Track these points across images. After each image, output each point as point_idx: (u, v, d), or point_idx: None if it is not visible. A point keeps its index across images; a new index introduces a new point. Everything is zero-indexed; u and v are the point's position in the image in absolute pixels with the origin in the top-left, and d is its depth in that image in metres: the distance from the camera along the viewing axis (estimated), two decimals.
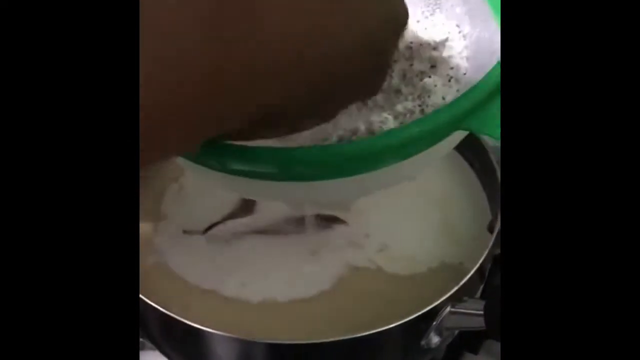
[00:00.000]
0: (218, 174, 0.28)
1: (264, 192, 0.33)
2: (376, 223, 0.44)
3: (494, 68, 0.28)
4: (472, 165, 0.48)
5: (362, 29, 0.25)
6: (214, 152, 0.27)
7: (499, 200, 0.43)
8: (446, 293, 0.37)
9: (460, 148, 0.49)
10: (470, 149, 0.48)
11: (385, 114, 0.30)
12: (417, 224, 0.44)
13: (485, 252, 0.40)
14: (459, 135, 0.30)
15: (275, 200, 0.42)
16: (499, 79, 0.28)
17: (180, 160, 0.28)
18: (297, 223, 0.44)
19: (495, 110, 0.28)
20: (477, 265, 0.39)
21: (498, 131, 0.27)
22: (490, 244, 0.40)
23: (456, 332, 0.41)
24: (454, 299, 0.38)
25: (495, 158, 0.45)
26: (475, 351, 0.46)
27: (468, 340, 0.46)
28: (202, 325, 0.36)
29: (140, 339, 0.44)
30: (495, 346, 0.46)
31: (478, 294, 0.42)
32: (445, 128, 0.27)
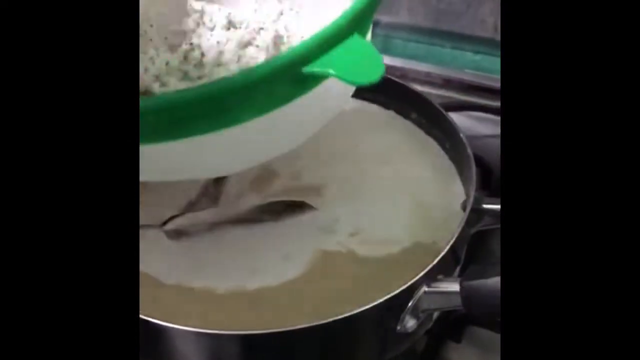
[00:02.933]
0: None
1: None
2: (347, 207, 0.43)
3: (341, 15, 0.29)
4: (442, 145, 0.48)
5: None
6: None
7: (472, 179, 0.42)
8: (419, 273, 0.36)
9: (430, 129, 0.49)
10: (440, 130, 0.48)
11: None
12: (388, 207, 0.43)
13: (458, 231, 0.38)
14: (336, 90, 0.32)
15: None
16: (344, 20, 0.29)
17: None
18: (264, 211, 0.42)
19: (339, 53, 0.29)
20: (450, 243, 0.38)
21: (345, 73, 0.28)
22: (463, 222, 0.39)
23: (434, 315, 0.40)
24: (429, 279, 0.37)
25: (465, 136, 0.44)
26: (457, 339, 0.45)
27: (450, 328, 0.44)
28: (168, 323, 0.35)
29: None
30: (478, 333, 0.45)
31: (456, 274, 0.40)
32: (283, 71, 0.28)
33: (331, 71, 0.28)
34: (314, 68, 0.28)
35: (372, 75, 0.29)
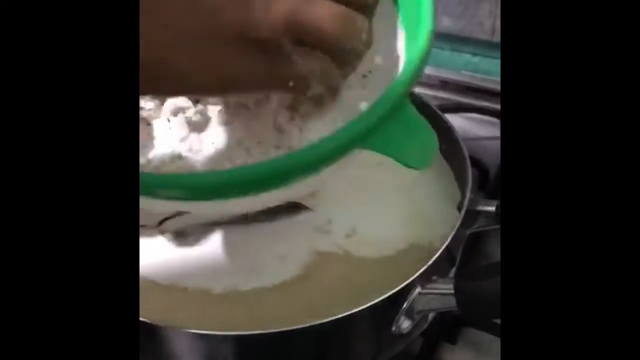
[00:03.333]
0: None
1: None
2: (342, 208, 0.43)
3: (389, 88, 0.27)
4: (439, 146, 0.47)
5: None
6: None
7: (468, 180, 0.42)
8: (414, 274, 0.36)
9: None
10: (437, 131, 0.47)
11: None
12: (384, 207, 0.43)
13: (453, 231, 0.38)
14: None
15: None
16: (395, 98, 0.27)
17: None
18: (260, 212, 0.42)
19: (397, 130, 0.27)
20: (445, 244, 0.38)
21: (402, 154, 0.27)
22: (458, 223, 0.39)
23: (430, 316, 0.40)
24: (424, 280, 0.37)
25: (461, 138, 0.44)
26: (453, 341, 0.45)
27: (445, 330, 0.44)
28: (163, 323, 0.35)
29: None
30: (474, 335, 0.44)
31: (451, 275, 0.40)
32: (338, 150, 0.27)
33: (391, 153, 0.27)
34: (374, 147, 0.27)
35: (426, 158, 0.28)
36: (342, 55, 0.27)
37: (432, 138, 0.28)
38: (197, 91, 0.30)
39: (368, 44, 0.27)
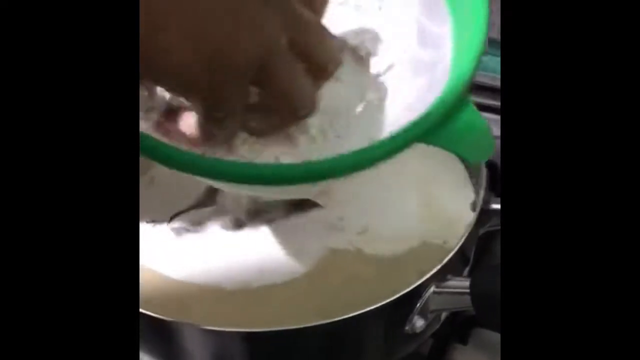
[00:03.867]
0: None
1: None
2: (354, 206, 0.42)
3: (450, 85, 0.28)
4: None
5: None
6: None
7: (481, 179, 0.42)
8: (428, 273, 0.36)
9: None
10: None
11: None
12: (397, 206, 0.42)
13: (468, 231, 0.38)
14: None
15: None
16: (457, 94, 0.27)
17: None
18: (271, 209, 0.42)
19: (459, 127, 0.27)
20: (460, 243, 0.37)
21: (465, 149, 0.29)
22: (473, 222, 0.39)
23: (443, 315, 0.40)
24: (438, 279, 0.36)
25: None
26: (464, 342, 0.44)
27: (456, 330, 0.44)
28: (174, 318, 0.35)
29: None
30: (485, 335, 0.44)
31: (465, 274, 0.40)
32: (401, 147, 0.27)
33: (452, 148, 0.29)
34: (437, 143, 0.28)
35: (485, 154, 0.30)
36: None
37: (489, 135, 0.29)
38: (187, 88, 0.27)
39: (311, 111, 0.29)
